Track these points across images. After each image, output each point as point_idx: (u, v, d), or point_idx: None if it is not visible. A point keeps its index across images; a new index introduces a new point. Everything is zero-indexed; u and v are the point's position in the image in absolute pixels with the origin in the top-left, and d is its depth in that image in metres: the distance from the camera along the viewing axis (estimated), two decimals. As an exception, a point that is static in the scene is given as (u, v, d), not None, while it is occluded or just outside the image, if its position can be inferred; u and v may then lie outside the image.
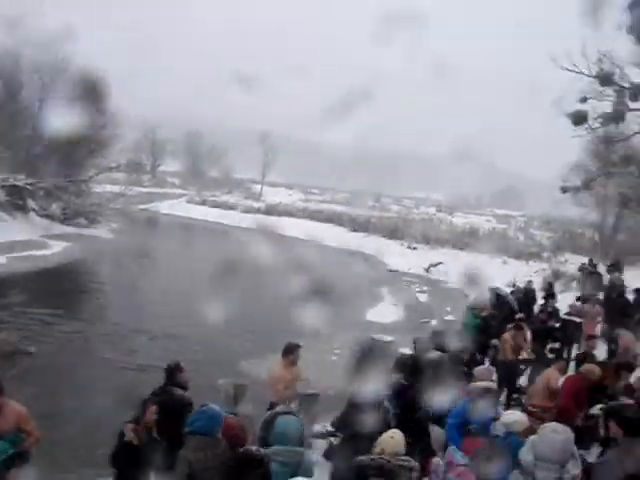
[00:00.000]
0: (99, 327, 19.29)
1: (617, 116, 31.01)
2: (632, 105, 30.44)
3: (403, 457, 5.12)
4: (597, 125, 31.98)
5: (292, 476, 5.48)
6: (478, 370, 9.34)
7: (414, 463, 5.25)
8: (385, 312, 24.46)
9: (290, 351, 9.05)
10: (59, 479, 9.21)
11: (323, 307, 20.23)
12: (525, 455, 5.36)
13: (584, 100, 31.14)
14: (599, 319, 15.44)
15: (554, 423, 5.63)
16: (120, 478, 6.45)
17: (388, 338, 19.17)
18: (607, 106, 31.18)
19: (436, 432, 8.32)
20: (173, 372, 7.45)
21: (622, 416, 5.94)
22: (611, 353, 13.33)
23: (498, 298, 16.40)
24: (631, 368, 10.63)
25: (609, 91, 30.87)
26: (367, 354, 9.87)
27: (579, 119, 31.61)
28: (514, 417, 7.09)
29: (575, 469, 5.26)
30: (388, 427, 6.65)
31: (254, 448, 4.92)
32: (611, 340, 13.92)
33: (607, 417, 6.67)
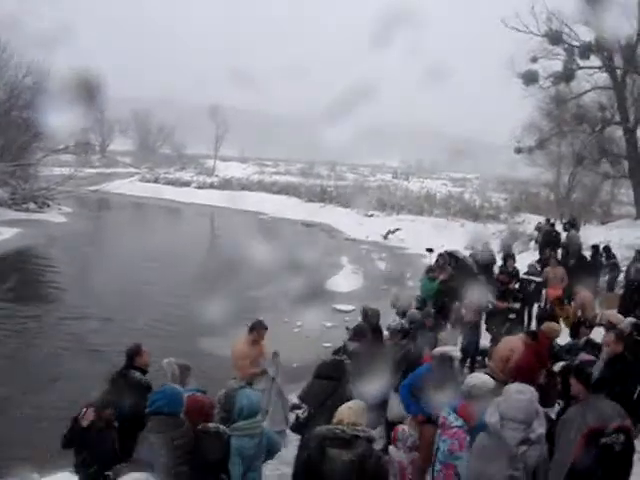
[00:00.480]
0: (54, 311, 18.95)
1: (567, 75, 31.28)
2: (582, 63, 30.74)
3: (360, 427, 4.98)
4: (548, 84, 32.34)
5: (259, 447, 5.55)
6: (443, 335, 9.22)
7: (372, 433, 5.13)
8: (345, 281, 24.40)
9: (255, 328, 8.91)
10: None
11: (283, 279, 20.15)
12: (490, 416, 5.26)
13: (534, 60, 31.37)
14: (564, 281, 15.31)
15: (517, 383, 5.57)
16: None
17: (350, 307, 19.09)
18: (557, 65, 31.52)
19: (393, 400, 8.23)
20: (133, 355, 7.22)
21: (585, 373, 5.99)
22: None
23: (457, 261, 16.38)
24: (590, 326, 10.67)
25: (559, 50, 31.13)
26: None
27: (530, 79, 31.83)
28: (475, 380, 6.95)
29: (540, 428, 5.20)
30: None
31: (212, 424, 4.74)
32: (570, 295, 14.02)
33: (568, 375, 6.62)
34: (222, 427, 4.67)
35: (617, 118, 31.31)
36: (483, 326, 12.77)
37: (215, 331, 14.72)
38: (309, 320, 17.00)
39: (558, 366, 8.75)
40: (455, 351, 8.65)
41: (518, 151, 34.09)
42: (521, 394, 5.27)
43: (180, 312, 18.51)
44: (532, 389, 5.38)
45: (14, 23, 41.17)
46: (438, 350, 8.22)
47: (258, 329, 8.93)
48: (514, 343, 8.97)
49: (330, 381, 7.14)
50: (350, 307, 19.03)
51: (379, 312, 9.92)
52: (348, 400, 6.53)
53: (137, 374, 7.05)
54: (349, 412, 5.01)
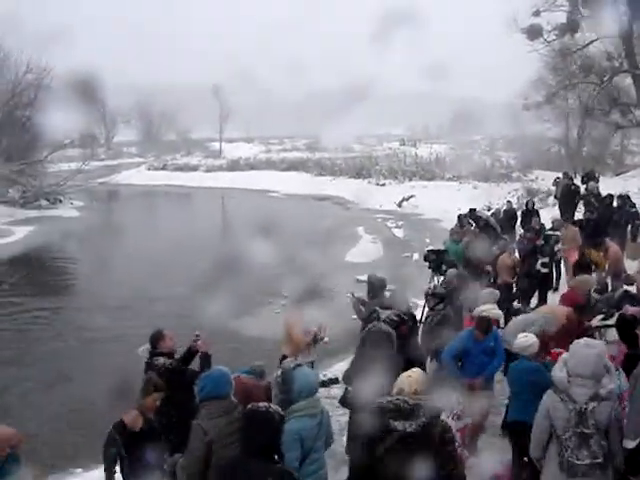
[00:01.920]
0: (74, 303, 19.21)
1: (572, 26, 30.76)
2: (585, 12, 30.19)
3: (422, 396, 4.80)
4: (553, 38, 31.83)
5: (320, 426, 5.41)
6: (483, 294, 9.09)
7: (435, 402, 4.97)
8: (365, 251, 24.29)
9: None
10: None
11: (302, 255, 20.04)
12: (558, 373, 5.20)
13: (537, 13, 30.86)
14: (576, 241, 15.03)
15: (586, 338, 5.44)
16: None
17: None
18: (561, 17, 30.99)
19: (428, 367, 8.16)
20: (155, 342, 7.17)
21: None
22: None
23: (479, 221, 16.24)
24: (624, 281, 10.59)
25: (562, 0, 30.59)
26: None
27: (534, 33, 31.34)
28: (529, 340, 6.87)
29: (611, 383, 5.12)
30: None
31: (262, 404, 4.62)
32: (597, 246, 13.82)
33: (627, 326, 6.51)
34: (274, 407, 4.54)
35: (625, 66, 30.82)
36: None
37: (241, 311, 14.74)
38: (332, 293, 16.93)
39: (597, 320, 8.66)
40: (495, 309, 8.56)
41: (526, 107, 33.72)
42: (589, 348, 5.17)
43: (203, 295, 18.44)
44: (601, 343, 5.46)
45: (9, 17, 40.74)
46: (479, 310, 8.14)
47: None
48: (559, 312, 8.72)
49: (378, 350, 6.99)
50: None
51: (385, 280, 9.73)
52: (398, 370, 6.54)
53: (161, 360, 6.97)
54: (409, 381, 4.81)
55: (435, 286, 9.92)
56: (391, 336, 7.18)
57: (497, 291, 9.40)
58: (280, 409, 4.75)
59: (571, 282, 10.05)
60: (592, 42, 31.49)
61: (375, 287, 9.30)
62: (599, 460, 4.97)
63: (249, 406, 4.62)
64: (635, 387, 5.36)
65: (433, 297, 9.25)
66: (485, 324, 7.70)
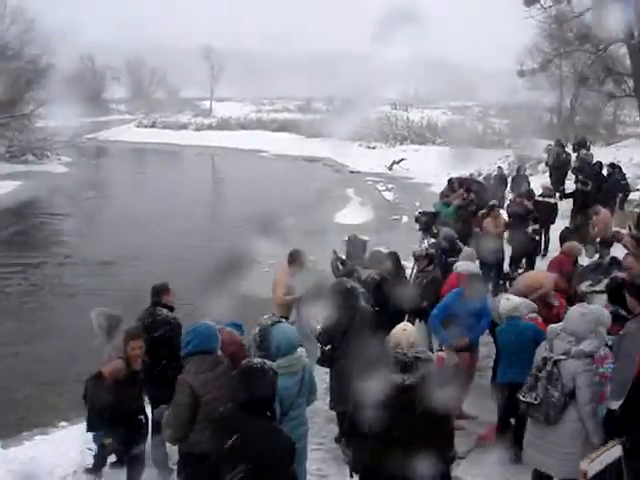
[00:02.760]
0: (60, 257, 19.11)
1: (569, -9, 30.37)
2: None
3: (420, 349, 4.80)
4: (549, 4, 31.43)
5: (301, 384, 5.37)
6: (463, 253, 9.08)
7: (431, 354, 5.08)
8: (354, 213, 24.29)
9: (293, 258, 8.49)
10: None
11: (292, 215, 19.97)
12: (554, 325, 5.68)
13: (535, -22, 30.41)
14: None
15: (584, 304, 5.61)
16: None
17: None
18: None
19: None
20: (160, 293, 7.09)
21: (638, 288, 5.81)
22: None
23: (474, 185, 16.16)
24: (610, 244, 10.58)
25: (559, -35, 30.16)
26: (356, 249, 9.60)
27: (531, -1, 30.93)
28: (513, 302, 6.85)
29: (589, 347, 5.35)
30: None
31: (257, 360, 4.51)
32: (588, 217, 13.83)
33: (616, 291, 6.51)
34: (268, 362, 4.45)
35: (621, 35, 30.56)
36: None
37: (227, 269, 14.66)
38: (322, 253, 16.88)
39: (585, 285, 8.66)
40: (476, 267, 8.53)
41: (521, 74, 33.49)
42: (581, 308, 5.59)
43: (195, 253, 18.49)
44: (598, 310, 5.69)
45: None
46: (456, 266, 8.10)
47: (296, 257, 8.51)
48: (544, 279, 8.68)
49: (346, 309, 6.92)
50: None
51: (365, 241, 9.73)
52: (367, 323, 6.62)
53: (164, 311, 6.97)
54: (406, 335, 4.74)
55: (425, 248, 9.85)
56: (352, 290, 7.09)
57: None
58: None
59: (563, 247, 10.04)
60: (588, 10, 31.14)
61: (356, 247, 9.25)
62: (536, 402, 5.38)
63: (244, 362, 4.51)
64: (619, 347, 5.38)
65: (425, 258, 9.21)
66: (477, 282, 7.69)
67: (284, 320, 6.22)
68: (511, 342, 6.66)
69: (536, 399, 5.38)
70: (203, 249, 19.10)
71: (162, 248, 19.25)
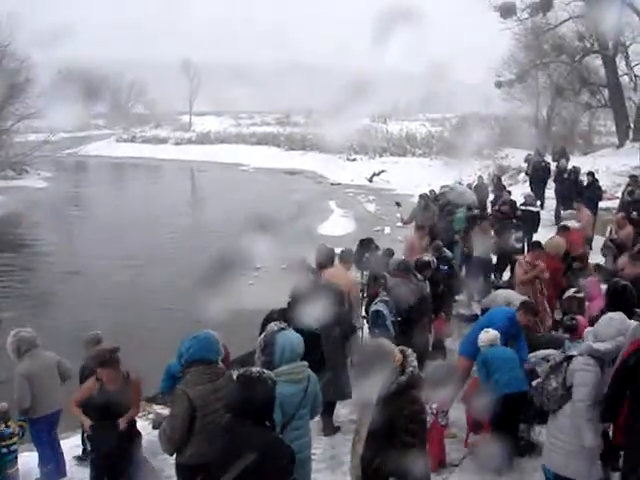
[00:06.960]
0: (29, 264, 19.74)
1: (545, 4, 30.88)
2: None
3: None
4: (526, 16, 31.92)
5: (305, 394, 5.27)
6: None
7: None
8: (337, 225, 24.36)
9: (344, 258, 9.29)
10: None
11: (274, 227, 19.91)
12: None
13: (511, -9, 30.87)
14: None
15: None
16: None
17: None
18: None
19: None
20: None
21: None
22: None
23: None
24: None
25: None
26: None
27: (507, 11, 31.40)
28: (493, 333, 7.04)
29: (601, 347, 5.34)
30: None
31: (254, 369, 4.46)
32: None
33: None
34: (267, 371, 4.38)
35: (596, 47, 31.11)
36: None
37: (212, 283, 14.62)
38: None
39: (571, 292, 8.78)
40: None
41: (499, 85, 33.90)
42: (613, 314, 5.60)
43: (178, 267, 18.44)
44: (629, 324, 5.57)
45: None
46: None
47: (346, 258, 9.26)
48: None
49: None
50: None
51: (352, 250, 9.93)
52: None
53: None
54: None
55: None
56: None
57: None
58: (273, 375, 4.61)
59: (545, 245, 10.15)
60: (564, 22, 31.69)
61: (326, 258, 9.34)
62: (535, 387, 5.67)
63: (241, 371, 4.45)
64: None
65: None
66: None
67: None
68: (506, 360, 6.84)
69: (537, 384, 5.63)
70: (182, 261, 19.09)
71: (135, 260, 19.29)
